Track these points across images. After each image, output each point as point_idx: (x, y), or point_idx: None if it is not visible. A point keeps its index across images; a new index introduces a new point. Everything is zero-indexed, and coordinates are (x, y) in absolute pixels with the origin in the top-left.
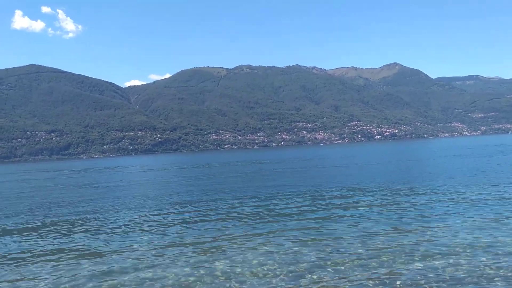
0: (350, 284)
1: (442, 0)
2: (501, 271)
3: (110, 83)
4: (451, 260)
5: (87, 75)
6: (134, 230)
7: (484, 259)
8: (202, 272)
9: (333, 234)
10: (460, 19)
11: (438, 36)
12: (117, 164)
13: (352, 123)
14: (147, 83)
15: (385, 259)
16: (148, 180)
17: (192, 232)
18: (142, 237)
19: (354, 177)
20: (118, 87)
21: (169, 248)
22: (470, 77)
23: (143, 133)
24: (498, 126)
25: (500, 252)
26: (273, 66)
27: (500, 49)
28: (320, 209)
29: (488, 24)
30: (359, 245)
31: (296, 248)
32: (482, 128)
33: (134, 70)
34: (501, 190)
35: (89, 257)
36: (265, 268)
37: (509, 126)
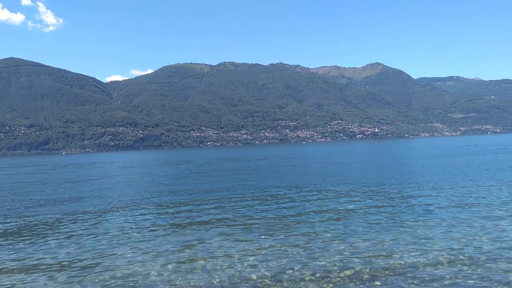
0: (332, 284)
1: (424, 2)
2: (479, 270)
3: (91, 77)
4: (431, 260)
5: (67, 69)
6: (113, 230)
7: (463, 258)
8: (183, 269)
9: (314, 232)
10: (442, 20)
11: (421, 37)
12: (97, 160)
13: (334, 121)
14: (129, 79)
15: (366, 257)
16: (129, 178)
17: (173, 230)
18: (121, 236)
19: (335, 176)
20: (100, 82)
21: (150, 247)
22: (451, 78)
23: (125, 129)
24: (477, 127)
25: (478, 251)
26: (257, 64)
27: (480, 51)
28: (302, 208)
29: (469, 26)
30: (340, 243)
31: (278, 246)
32: (462, 128)
33: (115, 65)
34: (480, 190)
35: (67, 258)
36: (246, 266)
37: (488, 127)
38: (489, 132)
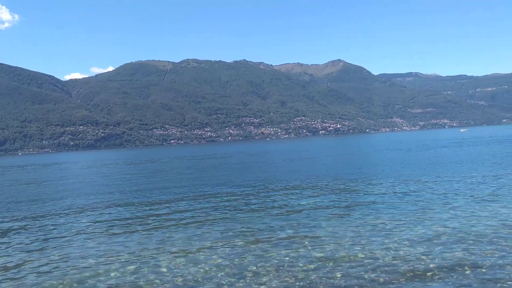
0: (294, 278)
1: (383, 0)
2: (436, 260)
3: (50, 76)
4: (390, 250)
5: (24, 67)
6: (74, 231)
7: (421, 249)
8: (146, 270)
9: (275, 227)
10: (401, 18)
11: (381, 34)
12: (54, 161)
13: (297, 118)
14: (89, 76)
15: (328, 250)
16: (89, 178)
17: (135, 231)
18: (82, 237)
19: (296, 171)
20: (58, 80)
21: (112, 249)
22: (409, 74)
23: (85, 128)
24: (435, 121)
25: (435, 241)
26: (220, 61)
27: (438, 48)
28: (264, 204)
29: (427, 24)
30: (301, 238)
31: (240, 244)
32: (421, 123)
33: (75, 62)
34: (438, 183)
35: (28, 259)
36: (209, 264)
37: (445, 121)
38: (446, 126)
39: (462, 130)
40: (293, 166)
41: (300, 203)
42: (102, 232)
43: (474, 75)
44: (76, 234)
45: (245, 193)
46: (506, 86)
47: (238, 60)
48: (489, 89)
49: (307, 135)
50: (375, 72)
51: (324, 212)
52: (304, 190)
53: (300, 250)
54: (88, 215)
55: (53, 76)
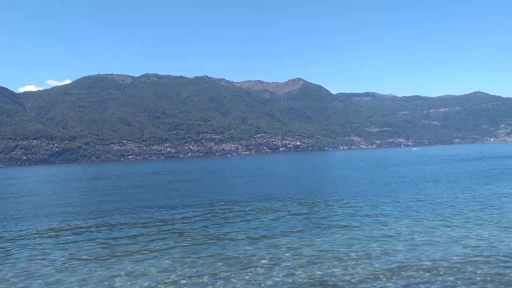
0: None
1: (342, 23)
2: (393, 278)
3: (3, 87)
4: (349, 269)
5: None
6: (26, 259)
7: (378, 265)
8: None
9: (239, 244)
10: (358, 39)
11: (339, 54)
12: (5, 176)
13: (258, 135)
14: (44, 89)
15: (289, 267)
16: (41, 196)
17: (90, 252)
18: (36, 265)
19: (256, 190)
20: (12, 92)
21: (66, 265)
22: (367, 94)
23: (39, 142)
24: (391, 140)
25: (392, 259)
26: (181, 76)
27: (394, 69)
28: (225, 219)
29: (384, 45)
30: (263, 254)
31: (202, 261)
32: (377, 141)
33: (29, 74)
34: (400, 201)
35: None
36: (167, 284)
37: (401, 140)
38: (402, 145)
39: (414, 149)
40: (253, 184)
41: (261, 220)
42: (53, 257)
43: (428, 96)
44: (23, 260)
45: (204, 214)
46: (458, 108)
47: (199, 76)
48: (442, 110)
49: (268, 151)
50: (334, 91)
51: (287, 229)
52: (265, 209)
53: (260, 268)
54: (40, 239)
55: (6, 88)
